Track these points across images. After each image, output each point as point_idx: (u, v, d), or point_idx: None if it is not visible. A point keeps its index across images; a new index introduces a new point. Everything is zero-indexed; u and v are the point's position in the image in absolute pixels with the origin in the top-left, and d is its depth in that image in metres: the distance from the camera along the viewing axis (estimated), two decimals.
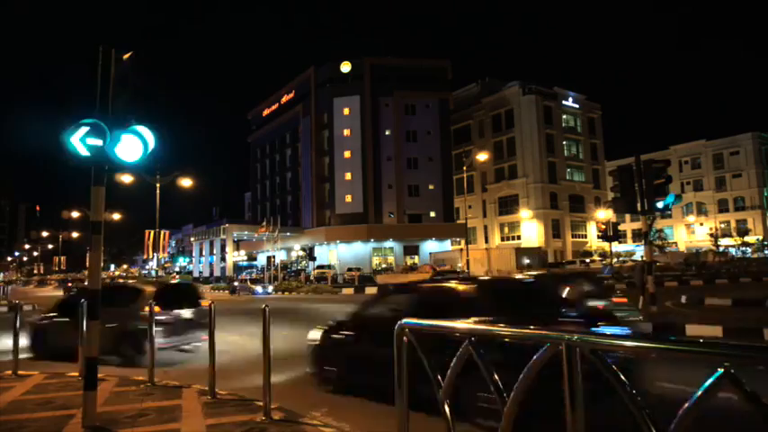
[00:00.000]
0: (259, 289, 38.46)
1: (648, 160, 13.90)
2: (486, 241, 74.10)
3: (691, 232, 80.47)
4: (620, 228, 56.51)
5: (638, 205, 13.39)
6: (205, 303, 8.72)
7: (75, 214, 52.93)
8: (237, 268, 74.77)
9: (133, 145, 5.40)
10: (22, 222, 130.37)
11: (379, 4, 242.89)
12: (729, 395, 1.78)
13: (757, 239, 69.13)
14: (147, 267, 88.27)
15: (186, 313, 9.78)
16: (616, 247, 56.46)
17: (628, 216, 69.60)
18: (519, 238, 70.81)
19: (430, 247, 62.48)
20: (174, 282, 24.97)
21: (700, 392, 1.83)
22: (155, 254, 41.14)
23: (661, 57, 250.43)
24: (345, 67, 66.16)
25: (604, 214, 49.63)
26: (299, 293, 35.48)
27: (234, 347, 11.20)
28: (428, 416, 5.32)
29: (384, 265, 61.32)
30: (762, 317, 11.48)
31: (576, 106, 76.56)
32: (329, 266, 55.38)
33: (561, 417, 2.37)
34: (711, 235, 67.99)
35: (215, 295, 37.29)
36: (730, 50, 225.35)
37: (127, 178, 33.05)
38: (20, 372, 7.95)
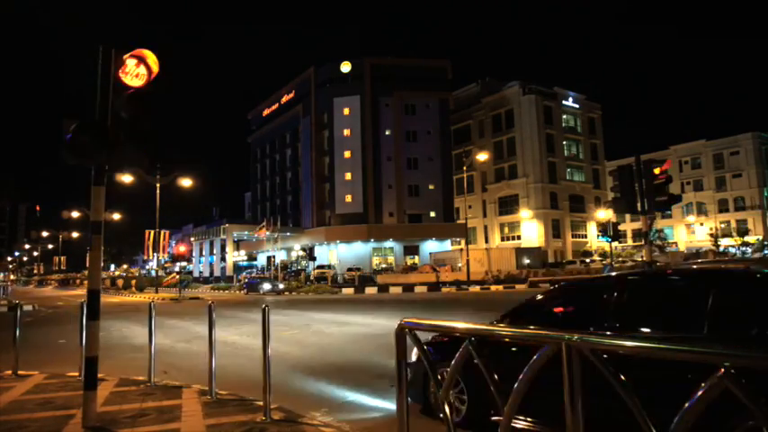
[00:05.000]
0: (267, 286, 37.65)
1: (648, 160, 13.87)
2: (487, 241, 74.11)
3: (691, 232, 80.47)
4: (620, 228, 56.53)
5: (638, 205, 13.37)
6: None
7: (75, 214, 53.00)
8: (237, 268, 74.80)
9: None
10: (22, 222, 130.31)
11: (380, 5, 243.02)
12: (729, 395, 1.78)
13: (757, 239, 69.13)
14: (146, 267, 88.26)
15: None
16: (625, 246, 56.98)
17: (628, 216, 69.60)
18: (519, 238, 70.82)
19: (430, 247, 62.48)
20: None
21: (700, 392, 1.83)
22: (155, 254, 41.21)
23: (661, 57, 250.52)
24: (345, 67, 66.17)
25: (604, 214, 49.71)
26: (299, 293, 35.50)
27: (233, 348, 11.21)
28: (431, 417, 5.33)
29: (384, 265, 61.33)
30: None
31: (576, 106, 76.58)
32: (329, 266, 55.38)
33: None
34: (711, 235, 68.00)
35: (218, 295, 37.28)
36: (730, 50, 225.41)
37: (127, 178, 33.11)
38: (20, 372, 7.95)
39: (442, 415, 3.10)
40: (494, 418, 4.38)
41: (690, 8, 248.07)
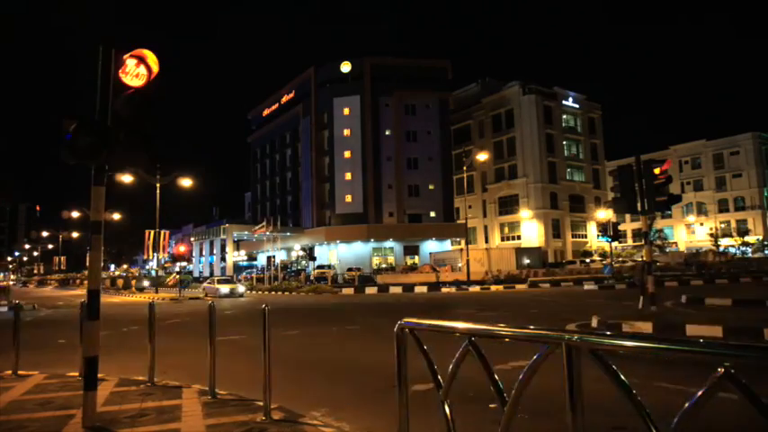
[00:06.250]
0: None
1: (648, 160, 13.89)
2: (487, 241, 74.11)
3: (691, 232, 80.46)
4: (620, 228, 56.54)
5: (638, 205, 13.37)
6: None
7: (75, 214, 53.02)
8: (237, 268, 74.81)
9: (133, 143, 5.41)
10: (22, 222, 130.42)
11: (380, 5, 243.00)
12: (729, 395, 1.78)
13: (757, 239, 69.15)
14: (146, 267, 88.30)
15: None
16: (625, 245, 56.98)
17: (628, 216, 69.62)
18: (519, 238, 70.81)
19: (430, 247, 62.48)
20: None
21: (700, 392, 1.83)
22: (155, 254, 41.20)
23: (661, 57, 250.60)
24: (345, 67, 66.18)
25: (604, 214, 49.70)
26: (299, 293, 35.49)
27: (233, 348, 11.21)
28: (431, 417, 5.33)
29: (384, 265, 61.32)
30: (762, 317, 11.48)
31: (576, 106, 76.57)
32: (329, 266, 55.38)
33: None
34: (711, 235, 67.97)
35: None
36: (731, 50, 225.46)
37: (127, 178, 33.11)
38: (20, 372, 7.95)
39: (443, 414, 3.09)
40: None
41: (689, 8, 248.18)
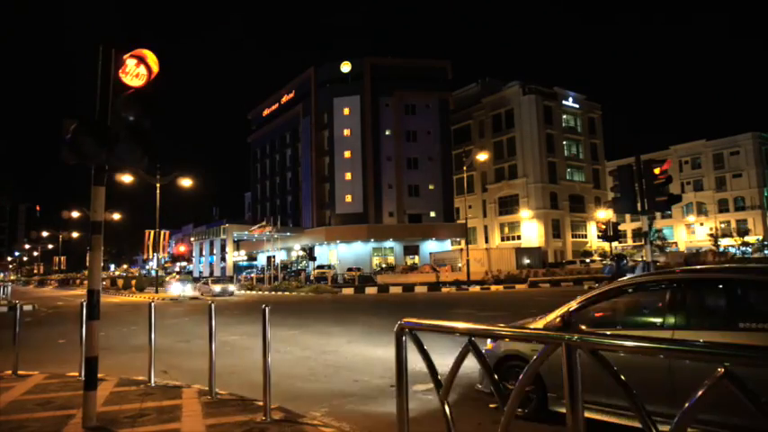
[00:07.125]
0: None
1: (648, 160, 13.86)
2: (487, 241, 74.08)
3: (691, 232, 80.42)
4: (620, 228, 56.52)
5: (638, 205, 13.35)
6: None
7: (75, 214, 53.06)
8: (237, 268, 74.79)
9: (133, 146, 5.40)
10: (22, 222, 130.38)
11: (380, 5, 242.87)
12: (729, 395, 1.77)
13: (757, 239, 69.07)
14: (146, 267, 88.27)
15: None
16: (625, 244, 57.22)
17: (628, 216, 69.59)
18: (519, 238, 70.78)
19: (430, 247, 62.46)
20: None
21: (700, 392, 1.83)
22: (155, 254, 41.24)
23: (661, 57, 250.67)
24: (345, 67, 66.17)
25: (604, 214, 49.70)
26: (299, 293, 35.49)
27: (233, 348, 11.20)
28: (431, 417, 5.33)
29: (384, 265, 61.28)
30: None
31: (576, 106, 76.53)
32: (329, 266, 55.36)
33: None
34: (711, 235, 67.92)
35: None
36: (731, 50, 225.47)
37: (127, 178, 33.14)
38: (20, 372, 7.95)
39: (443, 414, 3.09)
40: None
41: (689, 9, 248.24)
